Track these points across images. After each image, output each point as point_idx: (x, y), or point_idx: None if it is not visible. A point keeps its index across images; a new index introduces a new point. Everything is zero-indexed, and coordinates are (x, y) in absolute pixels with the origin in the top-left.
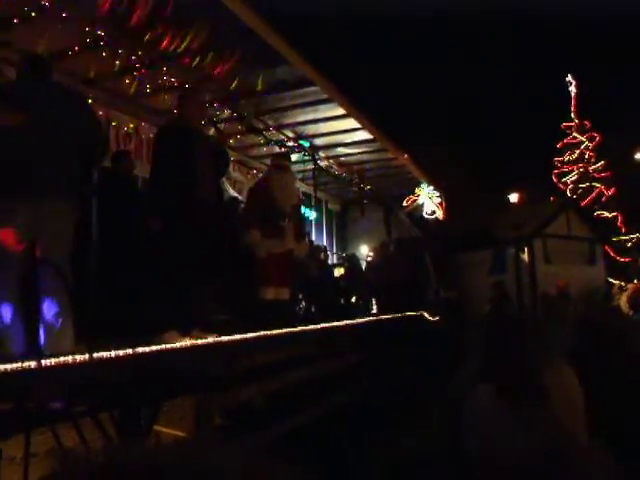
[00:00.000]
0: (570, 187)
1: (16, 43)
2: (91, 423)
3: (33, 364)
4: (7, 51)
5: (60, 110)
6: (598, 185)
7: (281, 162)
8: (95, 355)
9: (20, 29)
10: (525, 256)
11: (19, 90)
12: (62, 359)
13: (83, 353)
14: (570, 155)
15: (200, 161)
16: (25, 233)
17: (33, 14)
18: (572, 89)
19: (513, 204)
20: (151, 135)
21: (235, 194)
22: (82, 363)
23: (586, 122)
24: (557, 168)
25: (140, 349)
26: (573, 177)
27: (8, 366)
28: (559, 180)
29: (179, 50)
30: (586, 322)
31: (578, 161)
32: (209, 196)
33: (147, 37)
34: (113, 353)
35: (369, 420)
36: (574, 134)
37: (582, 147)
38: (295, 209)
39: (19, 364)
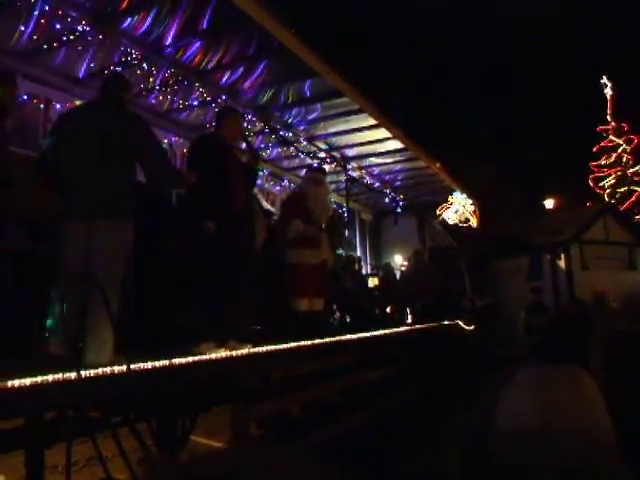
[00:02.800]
0: (608, 191)
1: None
2: (129, 433)
3: (73, 375)
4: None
5: (128, 135)
6: (637, 189)
7: (316, 176)
8: (133, 366)
9: (60, 51)
10: (562, 263)
11: (86, 112)
12: (101, 370)
13: (122, 364)
14: (607, 159)
15: (232, 175)
16: (79, 250)
17: (72, 37)
18: (608, 91)
19: (549, 210)
20: (185, 150)
21: (268, 206)
22: (121, 374)
23: (624, 124)
24: (593, 172)
25: (177, 360)
26: (610, 181)
27: (50, 377)
28: (596, 184)
29: (211, 65)
30: (616, 332)
31: (615, 165)
32: (241, 210)
33: (180, 54)
34: (151, 364)
35: (403, 432)
36: (611, 137)
37: (619, 150)
38: (329, 221)
39: (60, 375)
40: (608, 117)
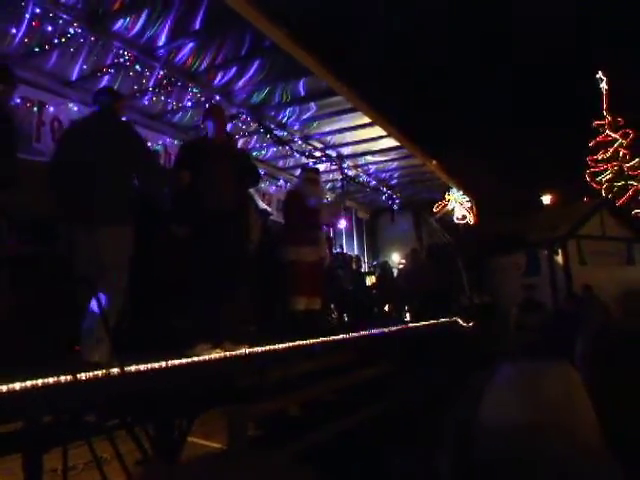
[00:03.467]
0: (605, 186)
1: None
2: (125, 436)
3: (68, 378)
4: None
5: (121, 143)
6: (634, 183)
7: (312, 175)
8: (128, 369)
9: (52, 54)
10: (559, 258)
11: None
12: (96, 373)
13: (117, 367)
14: (604, 153)
15: (217, 174)
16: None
17: (64, 40)
18: (603, 86)
19: (546, 206)
20: None
21: (264, 206)
22: (116, 377)
23: (619, 119)
24: (590, 167)
25: (172, 362)
26: (607, 176)
27: (45, 380)
28: (593, 179)
29: (204, 66)
30: (607, 326)
31: (612, 159)
32: (228, 208)
33: (172, 55)
34: (146, 366)
35: (401, 429)
36: (607, 132)
37: (616, 145)
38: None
39: (55, 378)
40: (604, 112)
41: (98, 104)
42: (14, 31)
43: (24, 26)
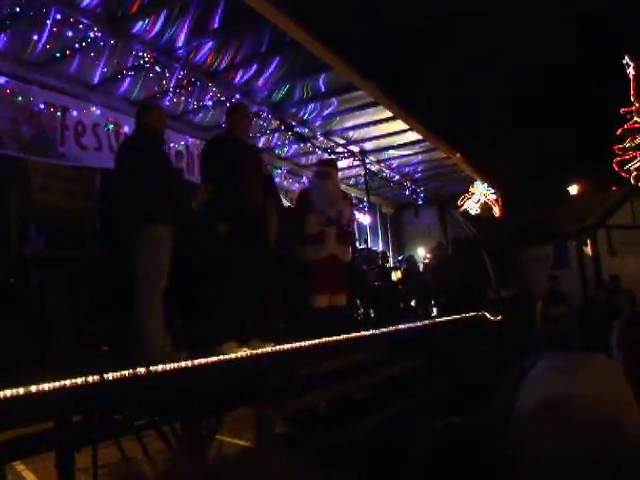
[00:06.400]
0: (634, 175)
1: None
2: (155, 435)
3: (96, 378)
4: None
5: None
6: None
7: (321, 169)
8: (154, 368)
9: (74, 59)
10: (588, 249)
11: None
12: (123, 373)
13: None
14: (631, 141)
15: (246, 172)
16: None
17: (84, 44)
18: (630, 71)
19: (573, 196)
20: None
21: (288, 203)
22: (142, 376)
23: None
24: (618, 156)
25: (199, 360)
26: (636, 164)
27: (74, 381)
28: (621, 168)
29: (224, 65)
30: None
31: None
32: (256, 207)
33: (192, 55)
34: (173, 365)
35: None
36: (635, 119)
37: None
38: (338, 215)
39: (83, 379)
40: (632, 98)
41: (135, 119)
42: (36, 38)
43: (46, 32)
